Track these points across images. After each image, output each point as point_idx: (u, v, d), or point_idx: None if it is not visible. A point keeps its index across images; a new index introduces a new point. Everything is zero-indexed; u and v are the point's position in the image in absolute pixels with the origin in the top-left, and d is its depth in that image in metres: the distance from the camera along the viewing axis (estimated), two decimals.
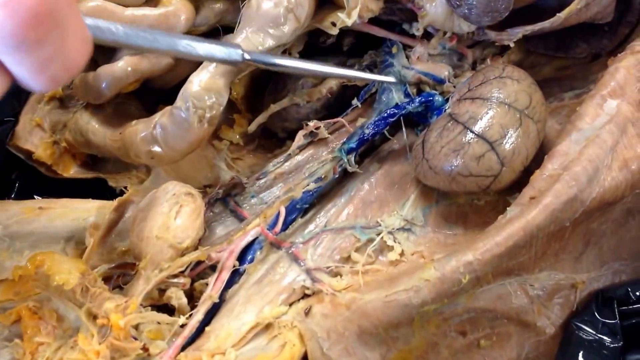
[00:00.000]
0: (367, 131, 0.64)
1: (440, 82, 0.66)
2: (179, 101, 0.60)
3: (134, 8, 0.65)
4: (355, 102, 0.69)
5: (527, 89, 0.59)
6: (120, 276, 0.60)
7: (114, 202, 0.63)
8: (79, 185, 0.70)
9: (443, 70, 0.66)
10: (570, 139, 0.56)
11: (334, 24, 0.64)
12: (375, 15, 0.64)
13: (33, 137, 0.70)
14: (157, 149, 0.62)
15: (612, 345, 0.55)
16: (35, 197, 0.70)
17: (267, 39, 0.61)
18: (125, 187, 0.66)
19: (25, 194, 0.71)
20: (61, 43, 0.39)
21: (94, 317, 0.54)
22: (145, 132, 0.62)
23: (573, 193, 0.52)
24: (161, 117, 0.62)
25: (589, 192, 0.53)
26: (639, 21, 0.64)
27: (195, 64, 0.61)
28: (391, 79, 0.66)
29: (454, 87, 0.65)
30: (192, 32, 0.69)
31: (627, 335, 0.56)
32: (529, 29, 0.63)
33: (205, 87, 0.60)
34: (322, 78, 0.70)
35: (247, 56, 0.58)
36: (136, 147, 0.63)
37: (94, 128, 0.68)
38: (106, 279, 0.59)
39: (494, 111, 0.57)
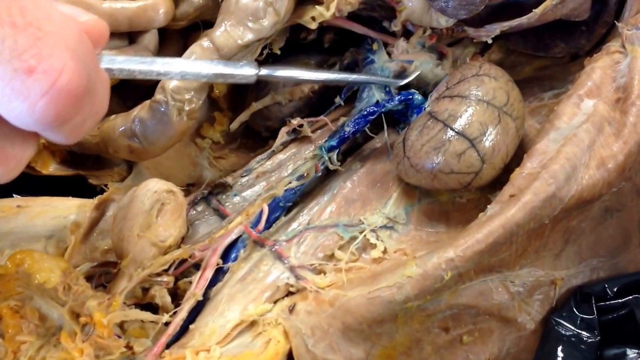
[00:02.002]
0: (347, 129, 0.64)
1: None
2: (157, 95, 0.60)
3: (112, 1, 0.65)
4: (337, 100, 0.69)
5: (505, 86, 0.59)
6: (102, 275, 0.60)
7: (95, 200, 0.63)
8: (58, 183, 0.69)
9: (425, 58, 0.67)
10: (548, 138, 0.57)
11: (313, 19, 0.64)
12: (355, 9, 0.64)
13: None
14: (136, 143, 0.62)
15: (590, 340, 0.56)
16: (13, 195, 0.69)
17: (247, 32, 0.60)
18: (106, 185, 0.66)
19: (3, 192, 0.70)
20: (93, 103, 0.39)
21: (76, 315, 0.54)
22: (124, 126, 0.62)
23: (552, 191, 0.53)
24: (140, 111, 0.62)
25: (567, 189, 0.54)
26: (615, 21, 0.65)
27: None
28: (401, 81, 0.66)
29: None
30: (171, 26, 0.69)
31: (605, 330, 0.57)
32: (506, 25, 0.63)
33: (183, 81, 0.59)
34: None
35: (262, 72, 0.57)
36: (115, 141, 0.63)
37: None
38: (88, 278, 0.59)
39: (472, 109, 0.58)
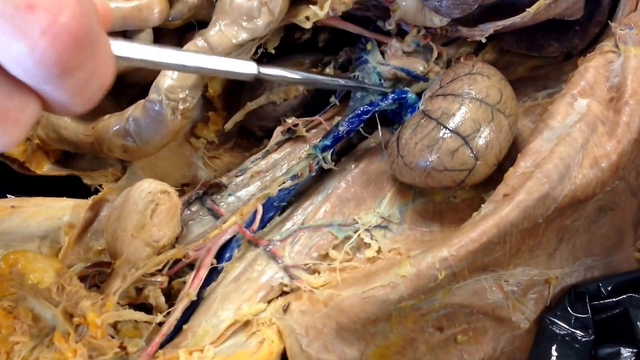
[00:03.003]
0: (341, 128, 0.64)
1: (416, 77, 0.67)
2: (151, 94, 0.60)
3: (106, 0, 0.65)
4: (333, 99, 0.69)
5: (497, 84, 0.59)
6: (96, 275, 0.60)
7: (89, 201, 0.63)
8: (53, 183, 0.69)
9: (418, 66, 0.67)
10: (542, 137, 0.57)
11: (308, 19, 0.64)
12: (349, 9, 0.64)
13: None
14: (130, 142, 0.62)
15: (584, 339, 0.56)
16: (7, 195, 0.69)
17: (241, 32, 0.61)
18: (100, 185, 0.66)
19: None
20: (96, 61, 0.37)
21: (70, 315, 0.54)
22: (118, 125, 0.62)
23: (545, 190, 0.54)
24: (134, 110, 0.62)
25: (560, 189, 0.54)
26: (609, 21, 0.65)
27: None
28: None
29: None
30: (166, 26, 0.69)
31: (599, 329, 0.57)
32: (500, 24, 0.64)
33: (178, 80, 0.60)
34: None
35: (262, 71, 0.56)
36: (109, 141, 0.63)
37: (66, 123, 0.67)
38: (82, 278, 0.58)
39: (466, 107, 0.58)
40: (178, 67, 0.52)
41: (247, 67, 0.55)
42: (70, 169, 0.69)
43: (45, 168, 0.69)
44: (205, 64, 0.53)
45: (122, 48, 0.47)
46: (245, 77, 0.56)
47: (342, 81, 0.66)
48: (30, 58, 0.34)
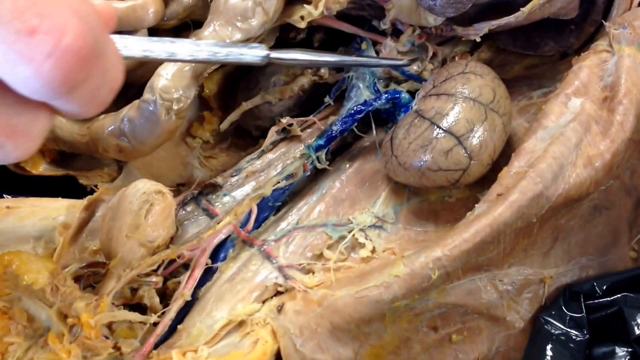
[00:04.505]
0: (335, 128, 0.64)
1: (410, 77, 0.67)
2: (146, 94, 0.60)
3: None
4: (327, 99, 0.69)
5: (491, 83, 0.59)
6: (91, 275, 0.60)
7: (84, 201, 0.63)
8: (48, 183, 0.69)
9: (411, 65, 0.67)
10: (536, 137, 0.57)
11: (302, 18, 0.64)
12: (344, 8, 0.64)
13: None
14: (125, 142, 0.62)
15: (578, 339, 0.56)
16: (3, 196, 0.69)
17: (235, 32, 0.61)
18: (96, 186, 0.66)
19: None
20: (104, 69, 0.37)
21: (64, 316, 0.54)
22: (113, 125, 0.62)
23: (538, 189, 0.53)
24: (129, 110, 0.62)
25: (554, 188, 0.54)
26: (603, 21, 0.65)
27: None
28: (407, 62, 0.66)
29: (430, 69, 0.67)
30: (161, 26, 0.69)
31: (594, 328, 0.57)
32: (494, 23, 0.64)
33: (172, 80, 0.59)
34: (294, 76, 0.70)
35: (272, 55, 0.55)
36: (104, 141, 0.63)
37: (61, 123, 0.67)
38: (77, 279, 0.58)
39: (459, 106, 0.58)
40: (189, 59, 0.50)
41: (257, 52, 0.54)
42: (65, 169, 0.69)
43: (41, 168, 0.69)
44: (215, 52, 0.51)
45: (129, 45, 0.46)
46: (257, 63, 0.54)
47: (348, 59, 0.64)
48: (37, 81, 0.34)
